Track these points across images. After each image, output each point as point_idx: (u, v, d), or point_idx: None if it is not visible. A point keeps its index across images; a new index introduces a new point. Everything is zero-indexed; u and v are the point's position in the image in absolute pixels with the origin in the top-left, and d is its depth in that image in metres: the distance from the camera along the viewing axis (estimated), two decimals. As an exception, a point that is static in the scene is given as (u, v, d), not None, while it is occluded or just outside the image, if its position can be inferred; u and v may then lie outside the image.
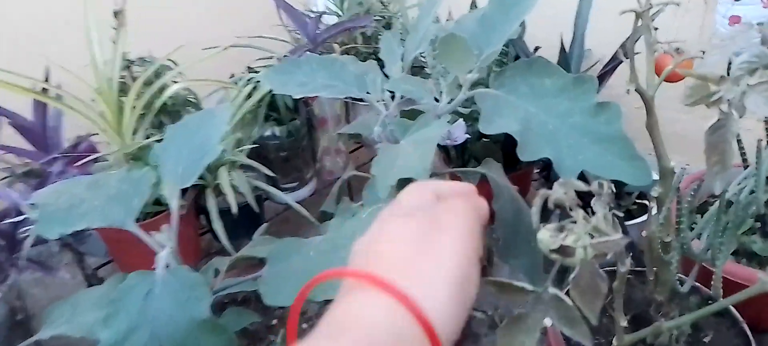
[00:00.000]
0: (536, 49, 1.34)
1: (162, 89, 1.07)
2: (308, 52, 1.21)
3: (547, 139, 0.65)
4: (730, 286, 1.00)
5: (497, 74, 0.73)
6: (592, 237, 0.46)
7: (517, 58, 1.18)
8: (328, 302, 0.45)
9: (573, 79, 0.66)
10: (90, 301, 0.78)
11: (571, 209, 0.48)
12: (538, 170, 1.27)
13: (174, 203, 0.73)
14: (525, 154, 0.64)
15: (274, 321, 1.05)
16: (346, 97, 1.12)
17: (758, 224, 1.04)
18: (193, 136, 0.75)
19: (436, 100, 0.84)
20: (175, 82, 1.05)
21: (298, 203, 1.14)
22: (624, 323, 0.63)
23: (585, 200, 0.56)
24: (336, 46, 1.29)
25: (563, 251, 0.45)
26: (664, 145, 0.71)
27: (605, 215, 0.56)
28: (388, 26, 1.42)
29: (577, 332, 0.49)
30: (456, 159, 1.13)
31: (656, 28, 0.76)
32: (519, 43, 1.16)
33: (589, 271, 0.48)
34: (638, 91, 0.68)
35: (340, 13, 1.37)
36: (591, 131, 0.63)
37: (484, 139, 1.07)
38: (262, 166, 1.14)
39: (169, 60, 1.13)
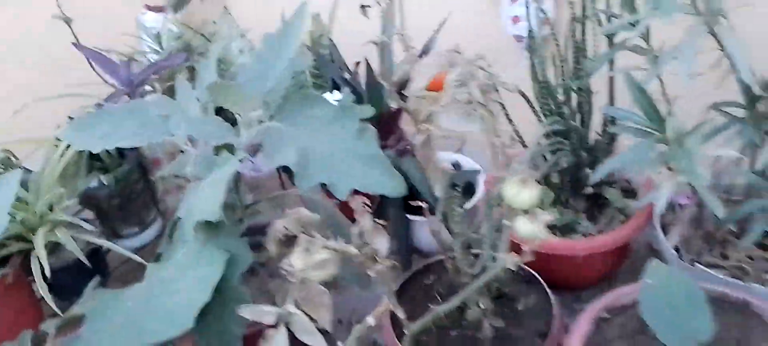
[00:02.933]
0: (358, 63, 1.41)
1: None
2: (126, 97, 1.22)
3: (323, 165, 0.72)
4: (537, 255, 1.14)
5: (279, 108, 0.79)
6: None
7: (334, 82, 1.24)
8: None
9: (340, 107, 0.73)
10: None
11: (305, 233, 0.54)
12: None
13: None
14: (302, 182, 0.70)
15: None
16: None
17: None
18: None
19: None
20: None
21: (143, 246, 1.15)
22: (402, 314, 0.71)
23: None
24: (157, 85, 1.30)
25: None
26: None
27: (373, 225, 0.64)
28: (221, 66, 1.43)
29: (312, 339, 0.55)
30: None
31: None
32: (330, 67, 1.23)
33: (311, 288, 0.54)
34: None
35: (158, 50, 1.38)
36: (357, 153, 0.70)
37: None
38: (89, 219, 1.13)
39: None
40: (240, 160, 0.92)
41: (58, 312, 0.99)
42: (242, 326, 0.83)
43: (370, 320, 0.84)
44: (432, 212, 0.86)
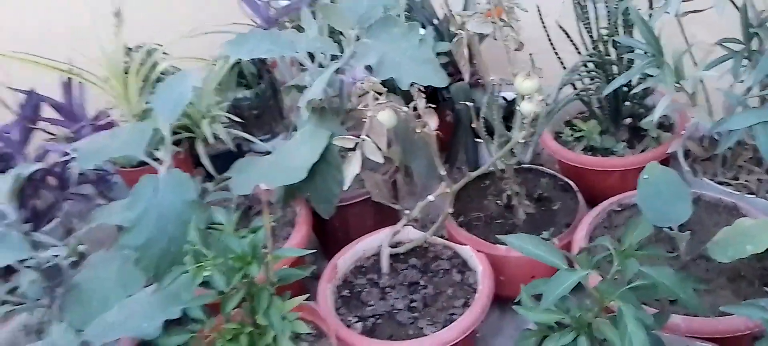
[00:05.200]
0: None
1: (154, 66, 1.46)
2: (262, 30, 1.60)
3: (394, 66, 1.03)
4: (573, 169, 1.38)
5: (368, 28, 1.11)
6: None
7: (423, 23, 1.54)
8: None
9: (408, 26, 1.04)
10: (119, 205, 1.17)
11: (378, 93, 0.86)
12: (450, 110, 1.63)
13: (166, 132, 1.13)
14: (379, 75, 1.02)
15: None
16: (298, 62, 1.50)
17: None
18: (174, 90, 1.15)
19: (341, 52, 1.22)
20: (159, 62, 1.44)
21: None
22: (442, 171, 1.01)
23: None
24: (288, 24, 1.67)
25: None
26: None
27: (425, 104, 0.95)
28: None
29: (375, 156, 0.87)
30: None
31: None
32: (419, 12, 1.53)
33: (377, 123, 0.86)
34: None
35: (290, -2, 1.75)
36: (416, 58, 1.01)
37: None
38: (238, 120, 1.53)
39: (158, 45, 1.53)
40: (340, 69, 1.26)
41: (215, 175, 1.39)
42: (339, 184, 1.17)
43: (431, 197, 1.15)
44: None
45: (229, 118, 1.54)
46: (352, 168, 0.89)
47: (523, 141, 0.96)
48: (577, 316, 0.73)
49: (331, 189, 1.19)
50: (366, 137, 0.87)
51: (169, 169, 1.11)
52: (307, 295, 0.94)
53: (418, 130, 0.93)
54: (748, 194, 1.15)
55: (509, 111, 1.57)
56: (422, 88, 0.97)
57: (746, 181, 1.20)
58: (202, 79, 1.54)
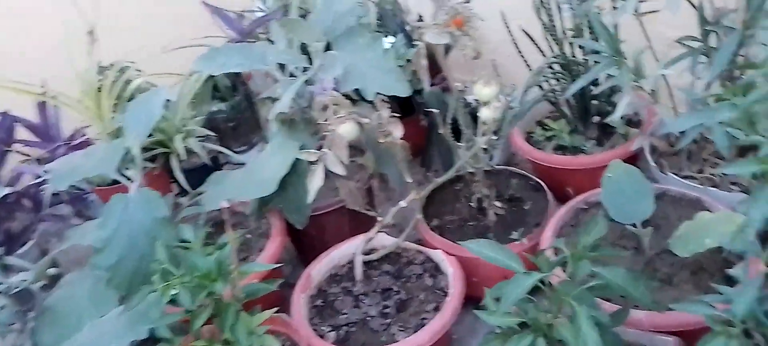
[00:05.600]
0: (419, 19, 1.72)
1: (127, 84, 1.47)
2: (236, 43, 1.61)
3: (359, 76, 1.05)
4: (544, 168, 1.40)
5: (335, 39, 1.13)
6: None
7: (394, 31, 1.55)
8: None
9: (372, 37, 1.06)
10: (92, 225, 1.18)
11: (336, 105, 0.87)
12: (424, 115, 1.65)
13: (136, 150, 1.14)
14: (345, 86, 1.04)
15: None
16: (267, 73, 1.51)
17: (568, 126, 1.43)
18: (144, 107, 1.16)
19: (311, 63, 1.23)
20: (132, 79, 1.45)
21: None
22: (409, 178, 1.02)
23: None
24: (261, 36, 1.68)
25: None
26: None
27: (390, 114, 0.97)
28: (304, 15, 1.80)
29: (337, 168, 0.88)
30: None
31: None
32: (390, 19, 1.54)
33: (338, 137, 0.87)
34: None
35: (263, 9, 1.76)
36: (381, 68, 1.03)
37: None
38: (212, 133, 1.54)
39: (131, 62, 1.53)
40: (308, 81, 1.27)
41: (189, 190, 1.40)
42: (307, 193, 1.18)
43: (403, 203, 1.17)
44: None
45: (204, 132, 1.56)
46: (315, 181, 0.90)
47: (485, 146, 0.97)
48: (534, 318, 0.74)
49: (303, 200, 1.20)
50: (327, 151, 0.88)
51: (140, 188, 1.12)
52: (278, 307, 0.95)
53: (381, 140, 0.94)
54: (712, 186, 1.17)
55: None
56: (386, 98, 0.99)
57: (711, 174, 1.22)
58: (176, 94, 1.55)
